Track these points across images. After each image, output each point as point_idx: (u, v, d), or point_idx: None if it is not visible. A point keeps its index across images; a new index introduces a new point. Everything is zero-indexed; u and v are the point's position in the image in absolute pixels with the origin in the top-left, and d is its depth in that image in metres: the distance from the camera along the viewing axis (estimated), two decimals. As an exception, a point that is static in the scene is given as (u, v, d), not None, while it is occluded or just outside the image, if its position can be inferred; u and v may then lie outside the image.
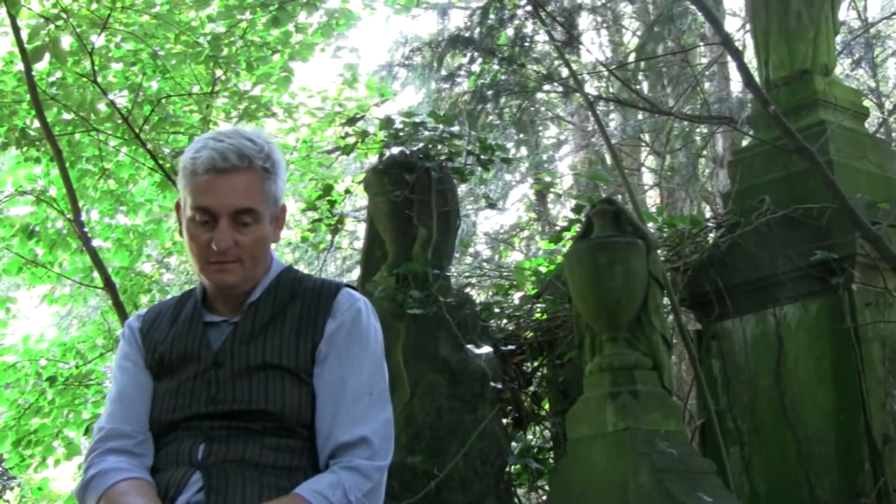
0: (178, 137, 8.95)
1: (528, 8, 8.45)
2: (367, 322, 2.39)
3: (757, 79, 5.72)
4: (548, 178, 12.68)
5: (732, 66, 11.32)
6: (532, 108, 11.67)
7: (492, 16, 8.86)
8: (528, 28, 9.03)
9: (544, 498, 5.86)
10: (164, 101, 8.67)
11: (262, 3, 8.38)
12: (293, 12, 8.50)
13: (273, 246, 2.49)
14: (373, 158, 6.29)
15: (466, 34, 9.13)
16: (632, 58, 11.80)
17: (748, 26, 6.72)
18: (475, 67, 9.27)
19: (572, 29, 9.86)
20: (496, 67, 9.11)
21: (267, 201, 2.32)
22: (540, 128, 13.74)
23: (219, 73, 8.83)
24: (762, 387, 5.19)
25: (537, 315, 6.11)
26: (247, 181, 2.29)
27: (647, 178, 14.25)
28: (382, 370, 2.38)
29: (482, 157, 6.03)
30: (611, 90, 10.85)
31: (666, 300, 5.03)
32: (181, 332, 2.39)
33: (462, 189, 10.48)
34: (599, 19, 12.71)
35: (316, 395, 2.30)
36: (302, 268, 11.83)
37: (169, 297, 2.44)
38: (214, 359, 2.32)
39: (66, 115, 8.45)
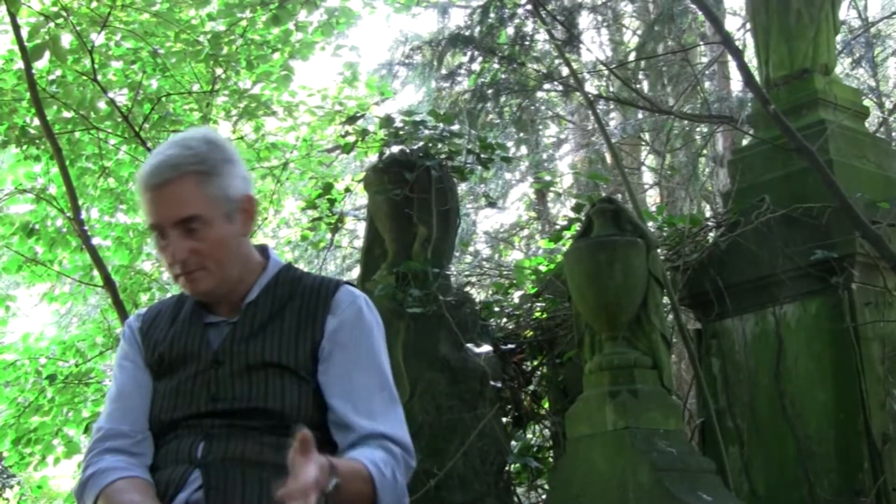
0: (178, 136, 8.94)
1: (529, 7, 8.45)
2: (369, 318, 2.39)
3: (757, 78, 5.72)
4: (548, 177, 12.68)
5: (732, 65, 11.34)
6: (532, 107, 11.66)
7: (492, 14, 8.86)
8: (529, 27, 9.03)
9: (544, 497, 5.86)
10: (164, 99, 8.66)
11: (262, 1, 8.38)
12: (293, 10, 8.49)
13: (273, 244, 2.48)
14: (373, 157, 6.28)
15: (466, 33, 9.14)
16: (632, 57, 11.81)
17: (748, 25, 6.72)
18: (475, 66, 9.27)
19: (572, 28, 9.86)
20: (496, 66, 9.11)
21: (211, 202, 2.30)
22: (540, 127, 13.73)
23: (219, 71, 8.83)
24: (762, 386, 5.19)
25: (537, 314, 6.11)
26: (181, 190, 2.28)
27: (647, 177, 14.25)
28: (387, 366, 2.39)
29: (482, 155, 6.03)
30: (611, 89, 10.85)
31: (666, 299, 5.03)
32: (181, 332, 2.40)
33: (462, 188, 10.50)
34: (600, 18, 12.70)
35: (324, 392, 2.30)
36: (302, 266, 11.81)
37: (169, 295, 2.45)
38: (214, 358, 2.32)
39: (66, 114, 8.45)
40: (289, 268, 2.47)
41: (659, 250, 5.16)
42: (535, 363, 6.01)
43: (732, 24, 12.83)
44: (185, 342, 2.37)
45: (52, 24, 7.60)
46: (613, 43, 13.99)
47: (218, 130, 9.26)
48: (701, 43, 11.54)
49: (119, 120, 8.28)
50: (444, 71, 10.05)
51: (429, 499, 4.77)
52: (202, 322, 2.40)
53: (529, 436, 6.17)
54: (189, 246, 2.29)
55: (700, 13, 9.25)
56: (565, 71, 9.05)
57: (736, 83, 12.21)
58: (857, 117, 5.79)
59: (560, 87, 10.68)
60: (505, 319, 6.27)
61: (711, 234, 5.75)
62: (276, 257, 2.48)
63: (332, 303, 2.37)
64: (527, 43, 9.14)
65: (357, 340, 2.35)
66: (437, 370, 5.17)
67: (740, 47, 8.37)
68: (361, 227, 7.57)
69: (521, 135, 12.44)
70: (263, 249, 2.49)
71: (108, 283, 7.48)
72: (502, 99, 9.60)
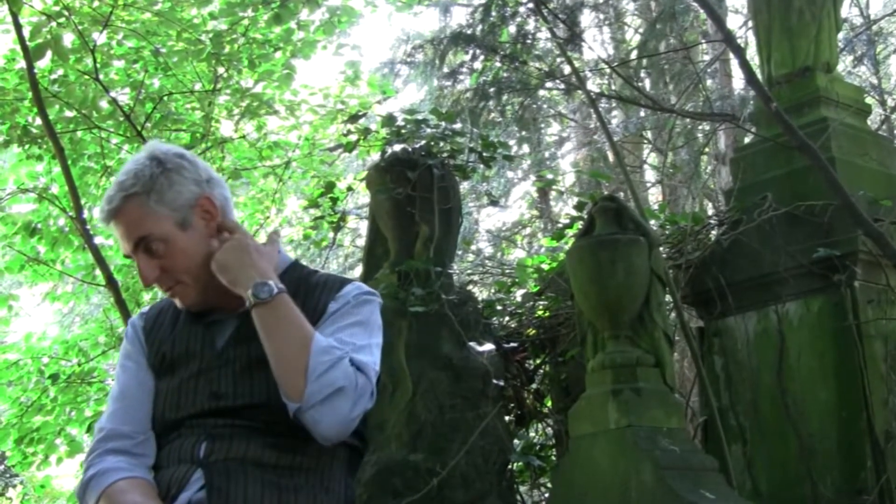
0: (180, 135, 8.95)
1: (530, 5, 8.45)
2: (366, 297, 2.39)
3: (759, 76, 5.71)
4: (550, 176, 12.65)
5: (734, 63, 11.32)
6: (534, 106, 11.67)
7: (494, 13, 8.86)
8: (530, 25, 9.03)
9: (546, 495, 5.86)
10: (165, 98, 8.67)
11: (264, 0, 8.38)
12: (295, 9, 8.50)
13: (281, 241, 2.49)
14: (375, 156, 6.29)
15: (468, 31, 9.14)
16: (634, 55, 11.80)
17: (750, 23, 6.72)
18: (477, 65, 9.27)
19: (574, 26, 9.86)
20: (498, 65, 9.11)
21: (157, 218, 2.33)
22: (542, 125, 13.74)
23: (221, 70, 8.83)
24: (764, 384, 5.19)
25: (539, 312, 6.10)
26: (128, 216, 2.34)
27: (649, 175, 14.24)
28: (368, 334, 2.35)
29: (484, 154, 6.03)
30: (613, 87, 10.85)
31: (668, 297, 5.03)
32: (184, 330, 2.39)
33: (464, 186, 10.50)
34: (601, 16, 12.70)
35: None
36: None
37: (172, 294, 2.45)
38: (217, 356, 2.32)
39: (68, 113, 8.45)
40: (296, 265, 2.47)
41: (661, 248, 5.16)
42: (538, 361, 6.01)
43: (734, 22, 12.83)
44: (188, 340, 2.37)
45: (53, 24, 7.60)
46: (615, 41, 13.99)
47: (220, 130, 9.27)
48: (703, 41, 11.53)
49: (121, 119, 8.29)
50: (445, 69, 10.05)
51: (431, 497, 4.77)
52: (204, 320, 2.40)
53: (532, 434, 6.18)
54: (156, 265, 2.33)
55: (702, 11, 9.23)
56: (567, 69, 9.04)
57: (738, 81, 12.22)
58: (859, 115, 5.79)
59: (562, 86, 10.67)
60: (507, 318, 6.27)
61: (714, 233, 5.74)
62: (285, 255, 2.48)
63: (339, 294, 2.37)
64: (528, 41, 9.14)
65: (347, 311, 2.35)
66: (440, 369, 5.17)
67: (742, 45, 8.37)
68: (364, 226, 7.59)
69: (523, 133, 12.44)
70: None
71: (111, 283, 7.49)
72: (504, 97, 9.60)
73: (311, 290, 2.37)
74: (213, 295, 2.36)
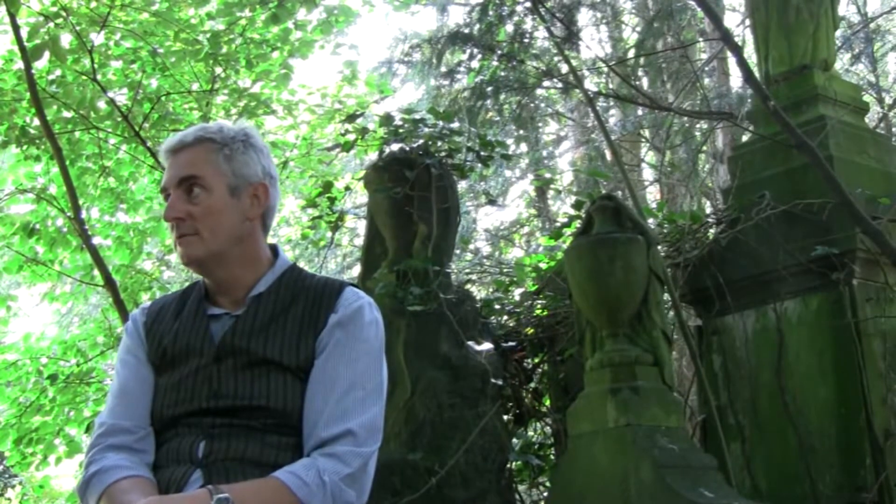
0: (178, 135, 8.94)
1: (528, 4, 8.45)
2: (368, 317, 2.36)
3: (757, 74, 5.72)
4: (548, 175, 12.67)
5: (732, 61, 11.32)
6: (532, 105, 11.67)
7: (491, 12, 8.87)
8: (528, 24, 9.04)
9: (545, 494, 5.87)
10: (163, 98, 8.67)
11: (262, 0, 8.38)
12: (292, 9, 8.50)
13: (276, 240, 2.48)
14: (373, 155, 6.29)
15: (466, 31, 9.15)
16: (631, 54, 11.80)
17: (748, 21, 6.72)
18: (475, 64, 9.28)
19: (572, 25, 9.86)
20: (496, 64, 9.12)
21: (217, 170, 2.34)
22: (540, 124, 13.73)
23: (218, 70, 8.83)
24: (763, 382, 5.19)
25: (538, 311, 6.11)
26: (194, 154, 2.35)
27: (647, 173, 14.24)
28: (379, 365, 2.35)
29: (482, 153, 6.03)
30: (610, 86, 10.87)
31: (666, 296, 5.03)
32: (184, 326, 2.38)
33: (462, 185, 10.49)
34: (599, 15, 12.69)
35: (308, 385, 2.29)
36: (302, 264, 11.82)
37: (173, 290, 2.44)
38: (216, 353, 2.31)
39: (66, 113, 8.45)
40: (294, 268, 2.47)
41: (659, 247, 5.16)
42: (536, 360, 6.01)
43: (732, 21, 12.86)
44: (189, 336, 2.36)
45: (51, 24, 7.60)
46: (613, 40, 13.98)
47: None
48: (700, 39, 11.53)
49: (119, 119, 8.29)
50: (443, 69, 10.07)
51: (431, 496, 4.77)
52: (205, 315, 2.39)
53: (531, 433, 6.18)
54: (186, 208, 2.32)
55: (699, 9, 9.24)
56: (565, 68, 9.06)
57: (735, 79, 12.20)
58: (857, 113, 5.79)
59: (559, 84, 10.68)
60: (506, 317, 6.27)
61: (712, 231, 5.75)
62: (285, 257, 2.47)
63: (337, 303, 2.36)
64: (526, 40, 9.15)
65: (350, 336, 2.32)
66: (439, 368, 5.17)
67: (740, 43, 8.38)
68: (362, 226, 7.59)
69: (521, 132, 12.44)
70: (274, 248, 2.49)
71: (109, 283, 7.49)
72: (502, 96, 9.60)
73: (309, 297, 2.37)
74: (218, 269, 2.36)
